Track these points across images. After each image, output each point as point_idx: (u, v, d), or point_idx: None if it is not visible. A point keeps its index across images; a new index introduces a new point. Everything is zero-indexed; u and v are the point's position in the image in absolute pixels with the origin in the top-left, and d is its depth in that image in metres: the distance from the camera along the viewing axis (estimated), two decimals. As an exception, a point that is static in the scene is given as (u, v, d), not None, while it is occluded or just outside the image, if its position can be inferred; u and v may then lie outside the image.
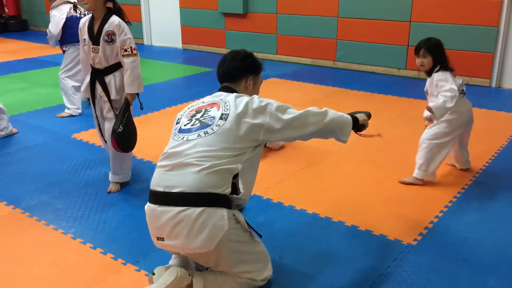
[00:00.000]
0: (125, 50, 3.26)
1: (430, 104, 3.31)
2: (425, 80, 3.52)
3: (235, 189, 2.13)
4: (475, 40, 6.08)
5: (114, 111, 3.36)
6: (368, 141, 4.35)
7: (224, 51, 8.46)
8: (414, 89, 5.96)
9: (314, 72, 7.14)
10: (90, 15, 3.37)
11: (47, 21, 5.68)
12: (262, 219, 3.08)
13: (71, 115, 5.22)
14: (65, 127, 4.88)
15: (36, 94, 6.16)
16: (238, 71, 2.37)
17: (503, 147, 4.22)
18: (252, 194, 3.35)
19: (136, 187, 3.56)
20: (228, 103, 2.22)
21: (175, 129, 2.28)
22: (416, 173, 3.49)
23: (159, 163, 2.20)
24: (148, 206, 2.16)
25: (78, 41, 5.09)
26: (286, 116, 2.22)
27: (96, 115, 3.49)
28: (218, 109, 2.21)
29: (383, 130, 4.63)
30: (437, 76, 3.32)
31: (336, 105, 5.46)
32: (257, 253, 2.30)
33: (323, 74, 7.04)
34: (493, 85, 6.18)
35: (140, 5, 9.34)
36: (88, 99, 3.68)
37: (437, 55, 3.31)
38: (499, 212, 3.16)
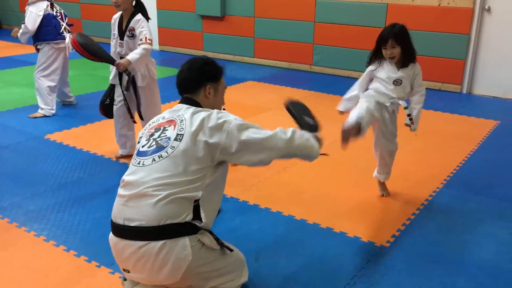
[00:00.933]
0: (141, 40, 3.66)
1: (413, 118, 3.16)
2: None
3: (198, 213, 2.01)
4: (447, 47, 6.23)
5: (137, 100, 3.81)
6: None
7: (202, 53, 8.46)
8: (389, 94, 6.05)
9: (291, 76, 7.19)
10: (119, 13, 3.80)
11: (20, 20, 5.58)
12: (238, 221, 3.10)
13: (45, 116, 5.14)
14: (38, 127, 4.80)
15: (9, 93, 6.04)
16: (196, 81, 2.23)
17: (474, 151, 4.33)
18: (228, 197, 3.37)
19: (114, 189, 3.53)
20: (184, 121, 2.08)
21: (136, 150, 2.17)
22: (386, 178, 3.44)
23: (118, 191, 2.10)
24: (111, 238, 2.08)
25: (53, 39, 5.08)
26: (244, 137, 2.05)
27: (125, 98, 3.83)
28: (174, 128, 2.08)
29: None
30: (419, 70, 3.17)
31: (312, 108, 5.50)
32: (229, 265, 2.22)
33: (300, 77, 7.10)
34: (464, 91, 6.33)
35: (116, 5, 9.25)
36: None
37: (406, 43, 3.09)
38: (468, 215, 3.25)
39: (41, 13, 4.97)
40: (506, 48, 5.99)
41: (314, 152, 2.29)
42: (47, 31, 4.98)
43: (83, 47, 3.50)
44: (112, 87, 3.93)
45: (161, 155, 2.02)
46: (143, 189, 1.97)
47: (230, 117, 2.08)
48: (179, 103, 2.27)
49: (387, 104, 3.15)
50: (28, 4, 5.03)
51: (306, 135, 2.27)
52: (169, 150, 2.01)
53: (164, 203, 1.94)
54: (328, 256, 2.75)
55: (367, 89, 3.24)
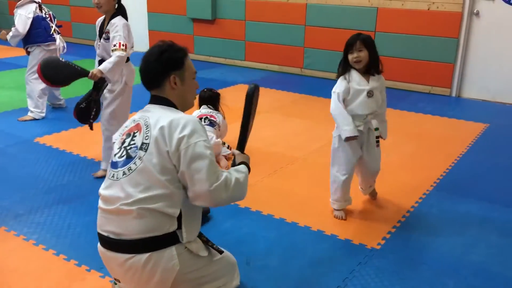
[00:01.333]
0: (114, 45, 3.50)
1: (384, 136, 3.15)
2: None
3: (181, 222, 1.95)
4: (436, 50, 6.28)
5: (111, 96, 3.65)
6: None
7: (192, 56, 8.45)
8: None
9: (282, 79, 7.21)
10: (103, 17, 3.71)
11: (10, 23, 5.54)
12: (229, 225, 3.09)
13: (34, 119, 5.10)
14: (28, 131, 4.77)
15: (-3, 96, 5.99)
16: (157, 74, 2.03)
17: (463, 154, 4.37)
18: (219, 200, 3.36)
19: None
20: (149, 127, 1.93)
21: (110, 160, 2.07)
22: (372, 187, 3.42)
23: (99, 203, 2.03)
24: (99, 248, 2.04)
25: (43, 41, 5.06)
26: (192, 167, 1.87)
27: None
28: (140, 133, 1.95)
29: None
30: (383, 80, 3.11)
31: (303, 111, 5.55)
32: (220, 269, 2.18)
33: (291, 81, 7.11)
34: (454, 94, 6.39)
35: (106, 8, 9.22)
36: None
37: (373, 49, 3.02)
38: (458, 217, 3.27)
39: (31, 16, 4.94)
40: (495, 51, 6.05)
41: (246, 185, 2.08)
42: (37, 33, 4.95)
43: (48, 79, 3.29)
44: (95, 88, 3.67)
45: (130, 167, 1.91)
46: (119, 205, 1.89)
47: (192, 138, 1.87)
48: (149, 102, 2.12)
49: (361, 128, 3.02)
50: (17, 7, 5.00)
51: (238, 175, 2.02)
52: (137, 162, 1.90)
53: (143, 218, 1.87)
54: (319, 258, 2.76)
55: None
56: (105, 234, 1.95)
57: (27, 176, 3.76)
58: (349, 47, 3.06)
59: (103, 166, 3.77)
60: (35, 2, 5.06)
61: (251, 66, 7.86)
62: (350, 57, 3.03)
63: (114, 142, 2.08)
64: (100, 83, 3.51)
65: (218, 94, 4.21)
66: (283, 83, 6.94)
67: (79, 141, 4.51)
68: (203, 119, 4.06)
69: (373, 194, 3.46)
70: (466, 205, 3.44)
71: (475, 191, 3.64)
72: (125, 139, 2.01)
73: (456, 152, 4.41)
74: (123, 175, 1.92)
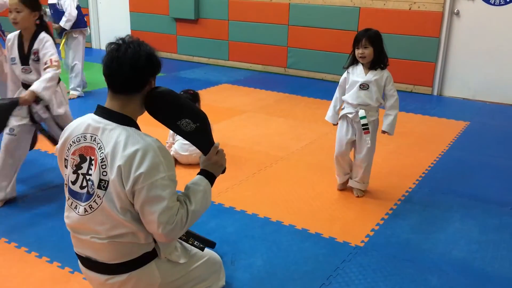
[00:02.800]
0: (45, 63, 3.12)
1: (385, 128, 3.30)
2: None
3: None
4: (418, 50, 6.35)
5: (59, 127, 3.25)
6: (318, 146, 4.46)
7: (176, 56, 8.42)
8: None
9: (266, 79, 7.22)
10: (18, 32, 3.23)
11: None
12: (214, 224, 3.09)
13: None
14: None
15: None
16: (144, 79, 1.79)
17: (445, 152, 4.43)
18: (203, 199, 3.36)
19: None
20: (105, 160, 1.70)
21: (66, 178, 1.84)
22: (362, 186, 3.50)
23: (67, 226, 1.89)
24: (80, 265, 1.97)
25: (84, 26, 5.60)
26: (145, 209, 1.71)
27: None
28: (95, 167, 1.72)
29: (332, 135, 4.74)
30: (388, 75, 3.26)
31: (287, 110, 5.56)
32: (205, 272, 2.14)
33: (274, 80, 7.13)
34: (435, 93, 6.47)
35: (88, 8, 9.13)
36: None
37: (379, 46, 3.20)
38: (440, 214, 3.32)
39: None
40: (475, 51, 6.15)
41: (206, 209, 1.95)
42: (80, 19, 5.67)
43: None
44: (10, 108, 3.10)
45: (91, 205, 1.75)
46: (89, 238, 1.80)
47: (148, 177, 1.68)
48: (96, 111, 1.82)
49: (350, 116, 3.31)
50: None
51: (198, 194, 1.88)
52: (97, 200, 1.73)
53: (117, 248, 1.79)
54: (304, 256, 2.77)
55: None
56: (82, 255, 1.89)
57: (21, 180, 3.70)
58: (356, 42, 3.22)
59: None
60: None
61: (235, 66, 7.86)
62: (356, 52, 3.22)
63: (66, 159, 1.84)
64: (33, 105, 3.14)
65: (197, 94, 4.11)
66: (267, 82, 6.95)
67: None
68: None
69: (357, 191, 3.51)
70: (448, 202, 3.48)
71: (457, 188, 3.69)
72: (79, 162, 1.78)
73: (438, 149, 4.46)
74: (85, 212, 1.76)
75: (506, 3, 5.88)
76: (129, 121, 1.79)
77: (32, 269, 2.61)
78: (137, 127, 1.81)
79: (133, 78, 1.76)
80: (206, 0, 7.80)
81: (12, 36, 3.25)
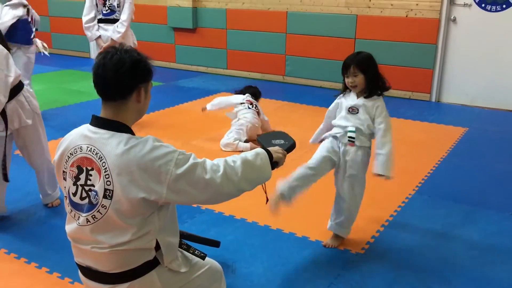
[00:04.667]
0: None
1: (378, 170, 2.80)
2: None
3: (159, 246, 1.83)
4: (416, 56, 6.38)
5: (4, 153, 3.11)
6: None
7: (174, 65, 8.45)
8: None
9: (264, 87, 7.19)
10: None
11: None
12: (214, 233, 3.08)
13: None
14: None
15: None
16: (126, 86, 1.75)
17: (444, 158, 4.43)
18: (203, 208, 3.35)
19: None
20: (108, 170, 1.68)
21: (66, 190, 1.81)
22: (345, 232, 3.00)
23: (68, 236, 1.87)
24: (80, 274, 1.94)
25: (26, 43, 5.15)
26: (191, 183, 1.72)
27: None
28: (99, 177, 1.70)
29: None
30: (379, 104, 2.84)
31: (285, 118, 5.57)
32: (205, 282, 2.10)
33: (273, 88, 7.15)
34: (433, 99, 6.49)
35: (87, 18, 9.17)
36: None
37: (371, 72, 2.81)
38: (440, 220, 3.31)
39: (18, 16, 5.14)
40: (472, 57, 6.17)
41: (265, 174, 2.01)
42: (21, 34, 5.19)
43: None
44: None
45: (95, 215, 1.72)
46: (90, 248, 1.79)
47: (168, 158, 1.68)
48: (92, 121, 1.80)
49: (338, 135, 2.87)
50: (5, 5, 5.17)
51: (238, 161, 1.89)
52: (102, 210, 1.70)
53: (118, 257, 1.78)
54: (304, 264, 2.76)
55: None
56: (83, 265, 1.88)
57: (8, 189, 3.69)
58: (344, 69, 2.84)
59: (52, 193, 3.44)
60: (23, 5, 5.24)
61: (233, 75, 7.88)
62: (346, 80, 2.85)
63: (65, 171, 1.81)
64: None
65: (260, 93, 5.23)
66: (266, 90, 6.93)
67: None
68: (247, 104, 4.84)
69: (334, 238, 2.99)
70: (448, 208, 3.48)
71: (457, 194, 3.70)
72: (77, 174, 1.75)
73: (437, 156, 4.47)
74: (87, 222, 1.74)
75: (502, 9, 5.92)
76: (124, 128, 1.78)
77: (32, 280, 2.60)
78: (132, 133, 1.79)
79: (116, 84, 1.74)
80: (204, 9, 7.84)
81: None
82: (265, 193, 2.16)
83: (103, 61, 1.74)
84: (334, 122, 2.95)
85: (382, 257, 2.84)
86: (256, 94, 5.16)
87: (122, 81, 1.73)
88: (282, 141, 2.25)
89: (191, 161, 1.74)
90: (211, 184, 1.75)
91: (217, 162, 1.81)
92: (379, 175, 2.82)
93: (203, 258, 2.08)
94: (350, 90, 2.90)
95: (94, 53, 9.43)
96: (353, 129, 2.85)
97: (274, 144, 2.18)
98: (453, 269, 2.75)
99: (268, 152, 2.02)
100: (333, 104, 3.00)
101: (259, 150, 1.99)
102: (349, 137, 2.85)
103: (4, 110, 2.96)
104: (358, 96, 2.87)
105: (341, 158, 2.88)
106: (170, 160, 1.69)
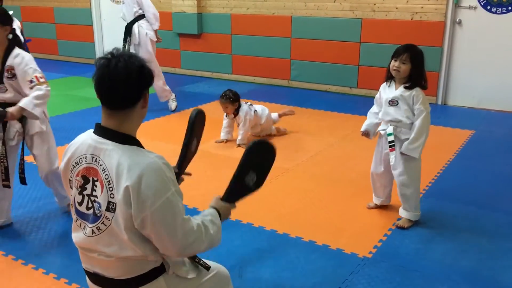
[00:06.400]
0: (31, 82, 2.95)
1: (403, 149, 3.03)
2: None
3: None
4: (421, 59, 6.36)
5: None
6: (323, 157, 4.45)
7: (179, 71, 8.47)
8: (366, 107, 6.09)
9: (269, 91, 7.24)
10: None
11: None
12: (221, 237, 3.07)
13: None
14: None
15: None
16: (135, 93, 1.72)
17: (451, 160, 4.41)
18: (210, 213, 3.35)
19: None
20: (111, 182, 1.67)
21: (72, 198, 1.80)
22: (413, 216, 3.21)
23: (75, 243, 1.86)
24: (87, 281, 1.94)
25: None
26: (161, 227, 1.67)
27: (5, 155, 3.11)
28: (102, 190, 1.69)
29: (337, 146, 4.76)
30: (415, 93, 3.04)
31: (291, 122, 5.56)
32: (213, 287, 2.09)
33: (278, 93, 7.15)
34: (439, 102, 6.46)
35: (92, 25, 9.23)
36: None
37: (418, 65, 3.03)
38: (448, 223, 3.29)
39: None
40: (478, 59, 6.15)
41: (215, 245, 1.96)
42: None
43: None
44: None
45: (99, 227, 1.72)
46: (96, 255, 1.79)
47: (159, 196, 1.64)
48: (95, 130, 1.78)
49: (382, 133, 3.18)
50: None
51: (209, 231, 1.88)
52: (106, 222, 1.70)
53: (125, 264, 1.77)
54: (311, 269, 2.75)
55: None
56: (90, 271, 1.87)
57: (14, 194, 3.71)
58: (395, 54, 3.02)
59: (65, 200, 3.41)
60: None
61: (238, 79, 7.89)
62: (392, 63, 3.02)
63: (71, 180, 1.81)
64: (5, 125, 3.05)
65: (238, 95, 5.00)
66: (271, 95, 6.96)
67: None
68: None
69: (403, 221, 3.23)
70: (456, 211, 3.46)
71: (464, 197, 3.67)
72: (83, 183, 1.75)
73: (444, 158, 4.45)
74: (92, 233, 1.74)
75: (508, 11, 5.89)
76: (129, 139, 1.75)
77: (39, 286, 2.61)
78: (139, 144, 1.77)
79: (125, 92, 1.70)
80: (208, 14, 7.87)
81: None
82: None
83: (108, 69, 1.68)
84: (380, 116, 3.19)
85: (389, 261, 2.83)
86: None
87: (132, 89, 1.70)
88: (253, 181, 2.12)
89: (176, 206, 1.69)
90: (183, 231, 1.71)
91: (196, 228, 1.78)
92: (403, 154, 3.05)
93: (207, 269, 2.06)
94: (391, 80, 3.08)
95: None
96: (391, 131, 3.06)
97: (245, 179, 2.08)
98: (462, 272, 2.72)
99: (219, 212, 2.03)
100: (377, 94, 3.25)
101: (219, 223, 1.99)
102: (389, 141, 3.08)
103: (24, 116, 3.01)
104: (397, 88, 3.04)
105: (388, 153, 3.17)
106: (160, 196, 1.65)
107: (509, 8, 5.88)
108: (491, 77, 6.10)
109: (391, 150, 3.10)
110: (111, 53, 1.73)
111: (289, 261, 2.82)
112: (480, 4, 6.02)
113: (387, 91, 3.12)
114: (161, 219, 1.66)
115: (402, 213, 3.25)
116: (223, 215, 2.03)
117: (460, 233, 3.16)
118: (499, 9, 5.93)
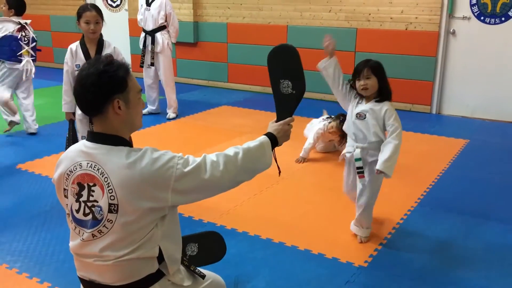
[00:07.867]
0: None
1: (380, 167, 2.83)
2: None
3: (162, 256, 1.83)
4: (416, 69, 6.40)
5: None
6: (319, 166, 4.46)
7: (176, 79, 8.44)
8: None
9: (265, 100, 7.26)
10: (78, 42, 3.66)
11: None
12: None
13: (15, 123, 5.31)
14: (10, 157, 4.70)
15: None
16: (96, 100, 1.71)
17: (445, 170, 4.43)
18: (205, 222, 3.35)
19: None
20: (111, 184, 1.69)
21: (68, 207, 1.81)
22: (359, 231, 3.16)
23: (70, 250, 1.86)
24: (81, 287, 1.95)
25: (7, 59, 5.15)
26: (193, 184, 1.76)
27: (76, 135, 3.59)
28: (103, 193, 1.70)
29: (333, 155, 4.77)
30: (387, 108, 2.91)
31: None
32: None
33: (273, 102, 7.15)
34: (434, 111, 6.50)
35: (88, 33, 9.24)
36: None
37: (381, 76, 2.93)
38: (443, 232, 3.30)
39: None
40: (472, 69, 6.20)
41: (265, 155, 2.08)
42: (2, 50, 5.19)
43: None
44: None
45: (101, 230, 1.73)
46: (93, 260, 1.78)
47: (169, 171, 1.70)
48: (89, 135, 1.80)
49: (348, 156, 3.04)
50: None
51: (239, 153, 1.94)
52: (108, 225, 1.71)
53: (122, 269, 1.77)
54: (307, 277, 2.75)
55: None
56: (86, 278, 1.87)
57: (9, 203, 3.70)
58: (356, 74, 2.96)
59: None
60: (15, 22, 5.25)
61: (234, 88, 7.91)
62: (357, 84, 2.94)
63: (66, 189, 1.81)
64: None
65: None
66: (266, 103, 6.98)
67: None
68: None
69: (359, 236, 3.16)
70: (451, 220, 3.47)
71: (459, 206, 3.68)
72: (79, 190, 1.75)
73: (439, 168, 4.47)
74: (93, 237, 1.75)
75: (501, 21, 5.96)
76: (120, 141, 1.77)
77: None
78: (130, 145, 1.79)
79: (86, 99, 1.74)
80: (205, 23, 7.90)
81: (74, 46, 3.70)
82: (278, 166, 2.25)
83: (79, 77, 1.74)
84: (344, 128, 3.13)
85: (385, 270, 2.83)
86: None
87: (95, 95, 1.71)
88: (290, 87, 2.17)
89: (191, 163, 1.77)
90: (212, 180, 1.80)
91: (217, 158, 1.84)
92: (380, 171, 2.87)
93: (202, 277, 2.06)
94: (361, 99, 2.99)
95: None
96: (359, 156, 2.95)
97: (281, 90, 2.22)
98: (457, 282, 2.73)
99: (272, 138, 2.14)
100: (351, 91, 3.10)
101: (263, 139, 2.10)
102: (357, 167, 2.96)
103: None
104: (367, 102, 2.96)
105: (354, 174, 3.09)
106: (171, 166, 1.71)
107: (503, 18, 5.94)
108: (485, 87, 6.15)
109: (360, 177, 2.98)
110: (88, 62, 1.80)
111: (285, 270, 2.82)
112: (474, 15, 6.09)
113: (357, 107, 3.00)
114: (186, 183, 1.74)
115: (355, 229, 3.16)
116: (278, 133, 2.19)
117: (455, 242, 3.17)
118: (493, 20, 5.99)
